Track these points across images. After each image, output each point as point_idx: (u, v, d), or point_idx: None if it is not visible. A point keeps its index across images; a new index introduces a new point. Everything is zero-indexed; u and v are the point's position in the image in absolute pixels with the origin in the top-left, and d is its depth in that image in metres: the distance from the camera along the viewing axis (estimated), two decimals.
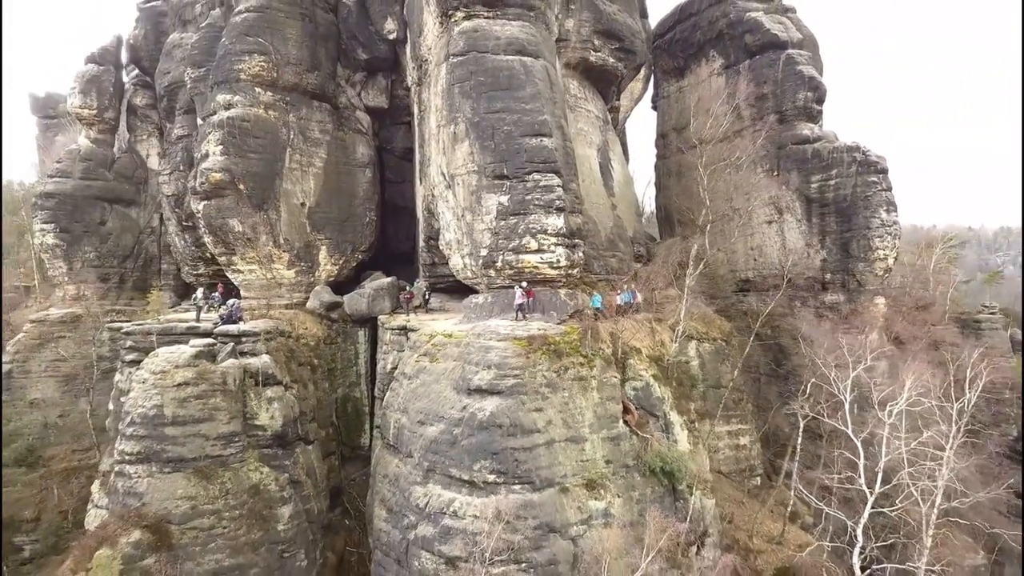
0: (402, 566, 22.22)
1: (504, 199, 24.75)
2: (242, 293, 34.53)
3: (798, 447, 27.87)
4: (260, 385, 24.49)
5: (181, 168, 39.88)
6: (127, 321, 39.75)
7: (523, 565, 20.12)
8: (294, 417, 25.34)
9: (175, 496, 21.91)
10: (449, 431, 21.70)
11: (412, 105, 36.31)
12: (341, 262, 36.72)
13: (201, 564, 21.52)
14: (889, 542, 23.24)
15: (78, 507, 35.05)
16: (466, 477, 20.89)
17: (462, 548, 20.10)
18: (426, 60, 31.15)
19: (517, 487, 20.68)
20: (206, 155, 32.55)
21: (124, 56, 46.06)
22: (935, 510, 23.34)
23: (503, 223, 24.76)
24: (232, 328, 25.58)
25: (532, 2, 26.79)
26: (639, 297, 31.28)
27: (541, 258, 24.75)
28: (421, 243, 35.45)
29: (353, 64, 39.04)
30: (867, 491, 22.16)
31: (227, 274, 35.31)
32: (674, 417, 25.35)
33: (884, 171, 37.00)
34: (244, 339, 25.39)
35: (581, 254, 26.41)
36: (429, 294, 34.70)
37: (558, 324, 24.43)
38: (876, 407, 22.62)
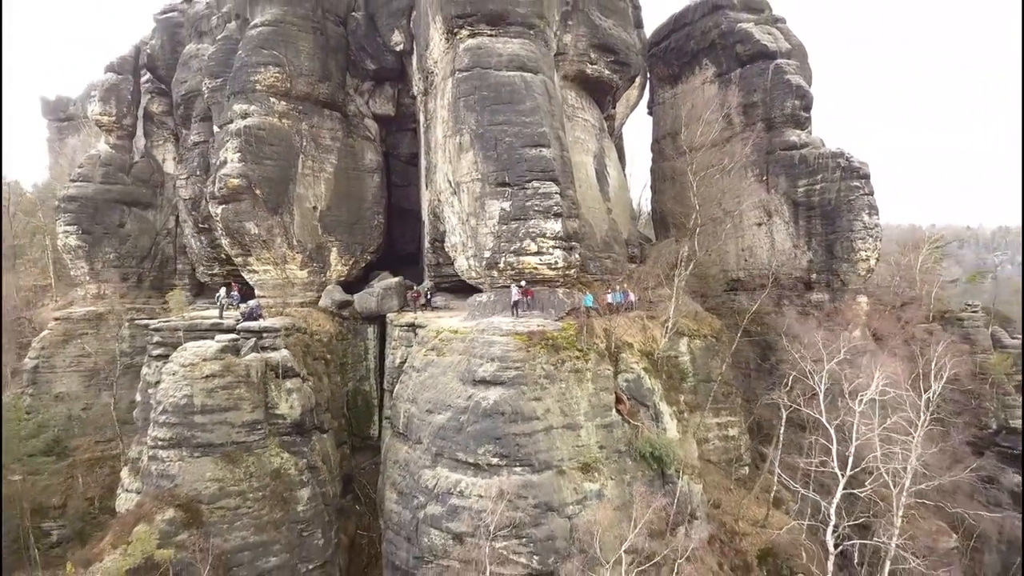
0: (412, 543, 24.20)
1: (506, 205, 26.72)
2: (256, 292, 36.47)
3: (780, 436, 29.80)
4: (280, 377, 26.46)
5: (198, 173, 41.84)
6: (146, 319, 41.84)
7: (524, 540, 22.11)
8: (311, 407, 27.31)
9: (204, 478, 23.88)
10: (456, 418, 23.68)
11: (418, 113, 38.25)
12: (351, 263, 38.68)
13: (229, 540, 23.49)
14: (860, 521, 25.18)
15: (103, 494, 37.15)
16: (471, 460, 22.87)
17: (468, 525, 22.10)
18: (432, 72, 33.09)
19: (518, 469, 22.64)
20: (224, 162, 34.47)
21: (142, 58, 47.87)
22: (904, 493, 25.33)
23: (505, 227, 26.73)
24: (253, 324, 27.54)
25: (532, 21, 28.73)
26: (633, 296, 33.23)
27: (540, 260, 26.72)
28: (427, 245, 37.40)
29: (361, 74, 40.95)
30: (839, 473, 24.14)
31: (243, 274, 37.28)
32: (663, 407, 27.32)
33: (866, 176, 38.95)
34: (265, 335, 27.32)
35: (577, 256, 28.37)
36: (431, 293, 36.58)
37: (556, 321, 26.39)
38: (848, 397, 24.61)
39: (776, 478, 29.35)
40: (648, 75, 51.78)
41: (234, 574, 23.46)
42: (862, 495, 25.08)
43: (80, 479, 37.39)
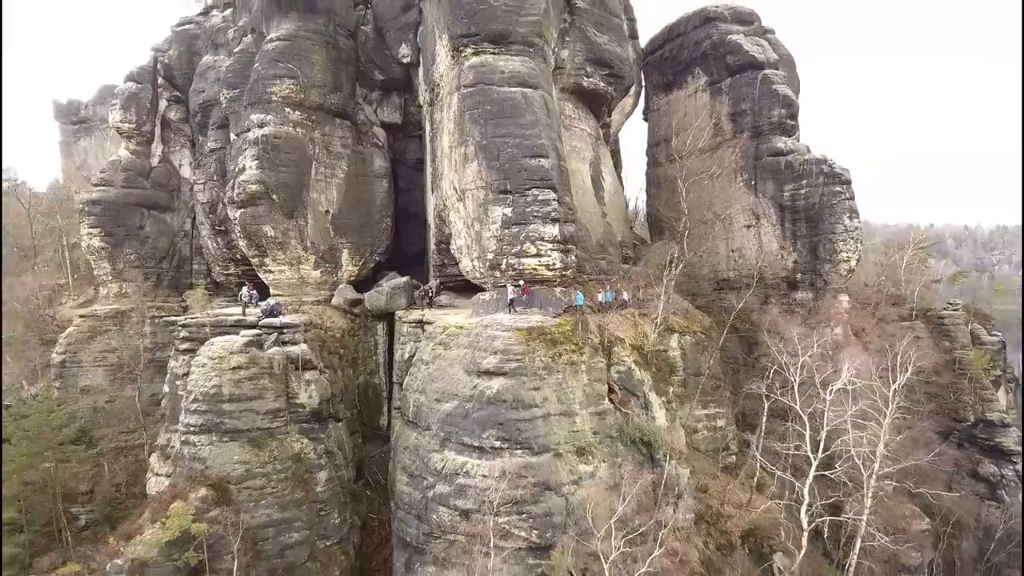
0: (422, 520, 26.49)
1: (508, 211, 29.02)
2: (271, 291, 38.73)
3: (763, 425, 32.10)
4: (299, 369, 28.77)
5: (215, 178, 44.13)
6: (166, 316, 44.28)
7: (524, 516, 24.42)
8: (327, 397, 29.63)
9: (233, 460, 26.22)
10: (462, 406, 25.97)
11: (424, 122, 40.50)
12: (361, 263, 40.96)
13: (255, 517, 25.82)
14: (832, 501, 27.48)
15: (128, 481, 39.46)
16: (476, 444, 25.17)
17: (474, 502, 24.42)
18: (438, 85, 35.33)
19: (519, 452, 24.94)
20: (243, 168, 36.73)
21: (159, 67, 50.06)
22: (874, 476, 27.65)
23: (507, 231, 29.03)
24: (275, 321, 29.81)
25: (532, 39, 31.00)
26: (626, 295, 35.49)
27: (539, 261, 29.02)
28: (432, 246, 39.67)
29: (370, 84, 43.19)
30: (811, 457, 26.44)
31: (259, 274, 39.52)
32: (653, 397, 29.60)
33: (848, 182, 41.19)
34: (285, 330, 29.59)
35: (574, 258, 30.66)
36: (434, 292, 38.82)
37: (554, 317, 28.67)
38: (819, 387, 26.90)
39: (758, 464, 31.60)
40: (643, 83, 54.11)
41: (260, 547, 25.77)
42: (834, 477, 27.35)
43: (106, 467, 39.63)
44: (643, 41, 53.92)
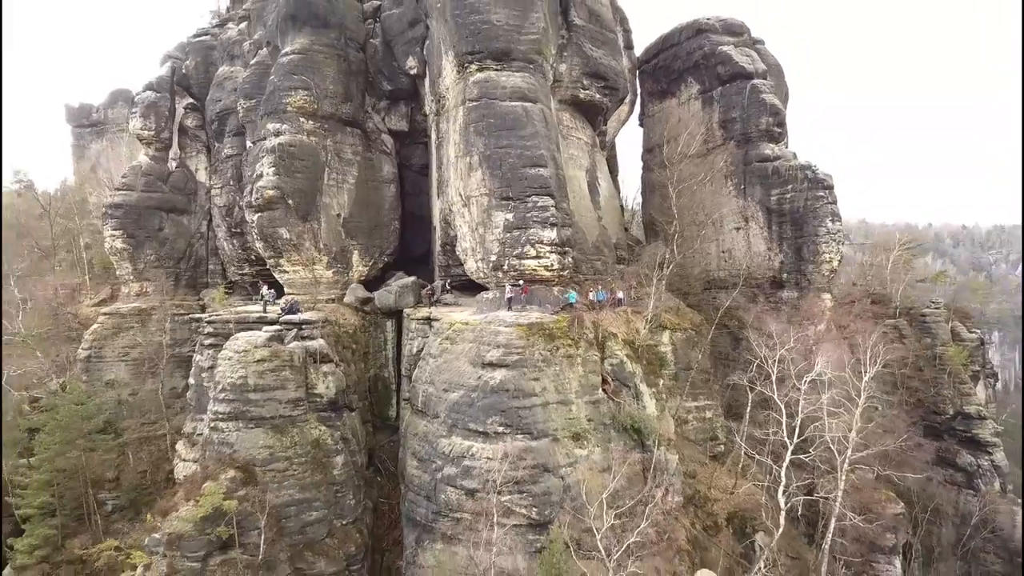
0: (431, 500, 28.91)
1: (509, 216, 31.42)
2: (286, 290, 41.11)
3: (747, 414, 34.52)
4: (317, 362, 31.18)
5: (231, 183, 46.51)
6: (184, 314, 46.75)
7: (524, 495, 26.82)
8: (343, 388, 32.04)
9: (258, 445, 28.64)
10: (468, 395, 28.38)
11: (430, 130, 42.84)
12: (370, 264, 43.35)
13: (279, 496, 28.22)
14: (807, 483, 29.90)
15: (151, 468, 41.89)
16: (481, 429, 27.58)
17: (479, 482, 26.84)
18: (444, 96, 37.70)
19: (520, 436, 27.34)
20: (260, 175, 39.08)
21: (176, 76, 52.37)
22: (847, 461, 30.09)
23: (509, 235, 31.44)
24: (295, 318, 32.23)
25: (532, 56, 33.37)
26: (620, 294, 37.86)
27: (538, 263, 31.43)
28: (438, 248, 42.06)
29: (378, 94, 45.55)
30: (787, 442, 28.86)
31: (274, 274, 41.86)
32: (643, 388, 32.01)
33: (830, 187, 43.56)
34: (304, 326, 32.00)
35: (571, 259, 33.06)
36: (440, 291, 41.14)
37: (552, 314, 31.03)
38: (794, 378, 29.33)
39: (743, 450, 34.01)
40: (639, 91, 56.41)
41: (284, 524, 28.20)
42: (809, 461, 29.77)
43: (130, 456, 41.99)
44: (639, 50, 56.22)
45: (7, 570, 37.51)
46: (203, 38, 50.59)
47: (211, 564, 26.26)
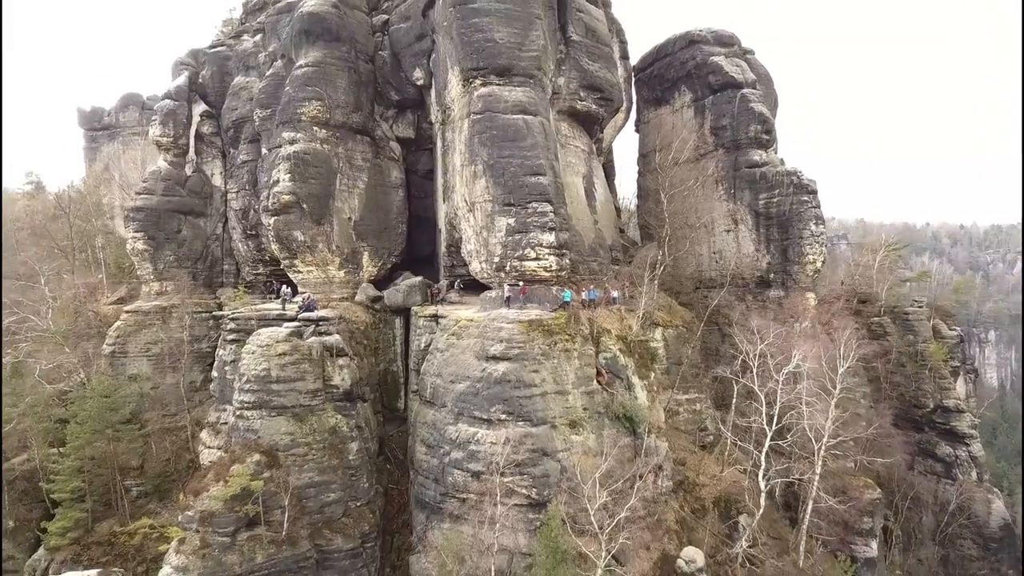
0: (439, 483, 31.44)
1: (511, 221, 33.93)
2: (299, 289, 43.59)
3: (734, 404, 37.05)
4: (333, 356, 33.69)
5: (246, 187, 49.02)
6: (202, 312, 49.31)
7: (525, 476, 29.34)
8: (357, 380, 34.56)
9: (280, 432, 31.13)
10: (473, 386, 30.90)
11: (435, 137, 45.32)
12: (380, 264, 45.87)
13: (300, 479, 30.71)
14: (785, 466, 32.44)
15: (174, 457, 44.45)
16: (485, 417, 30.10)
17: (483, 465, 29.34)
18: (450, 107, 40.16)
19: (521, 423, 29.85)
20: (276, 181, 41.56)
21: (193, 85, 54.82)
22: (823, 447, 32.63)
23: (510, 238, 33.95)
24: (312, 315, 34.73)
25: (532, 72, 35.85)
26: (615, 293, 40.37)
27: (538, 264, 33.94)
28: (443, 249, 44.54)
29: (386, 103, 48.02)
30: (767, 429, 31.37)
31: (288, 274, 44.36)
32: (635, 380, 34.52)
33: (814, 192, 46.01)
34: (321, 323, 34.50)
35: (568, 260, 35.56)
36: (444, 290, 43.61)
37: (550, 312, 33.52)
38: (772, 371, 31.85)
39: (729, 439, 36.54)
40: (635, 98, 58.85)
41: (304, 504, 30.71)
42: (787, 448, 32.31)
43: (153, 445, 44.54)
44: (635, 58, 58.73)
45: (40, 551, 40.09)
46: (219, 49, 53.06)
47: (239, 539, 28.78)
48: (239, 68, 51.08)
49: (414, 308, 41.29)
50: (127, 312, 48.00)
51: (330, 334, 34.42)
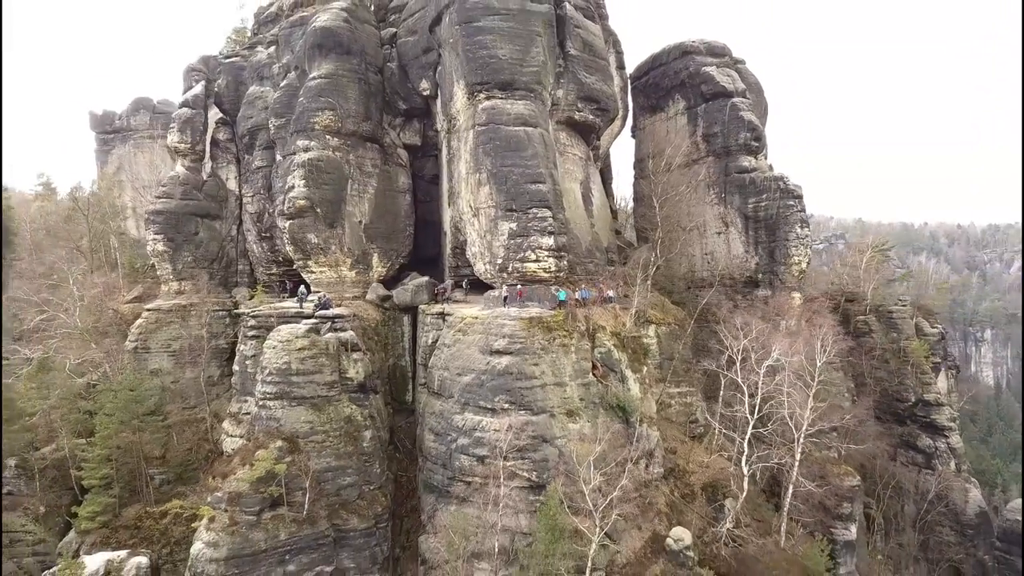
0: (447, 468, 34.04)
1: (513, 225, 36.52)
2: (312, 288, 46.14)
3: (721, 397, 39.65)
4: (348, 351, 36.31)
5: (261, 192, 51.58)
6: (219, 310, 51.91)
7: (526, 461, 31.94)
8: (369, 373, 37.21)
9: (300, 420, 33.77)
10: (478, 378, 33.49)
11: (441, 145, 47.88)
12: (388, 265, 48.46)
13: (318, 463, 33.34)
14: (766, 452, 35.06)
15: (194, 447, 47.03)
16: (489, 406, 32.70)
17: (487, 450, 31.95)
18: (455, 118, 42.72)
19: (522, 412, 32.44)
20: (292, 187, 44.11)
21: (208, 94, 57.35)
22: (803, 435, 35.26)
23: (512, 241, 36.55)
24: (328, 312, 37.34)
25: (532, 86, 38.44)
26: (611, 292, 42.91)
27: (538, 265, 36.55)
28: (448, 251, 47.13)
29: (394, 112, 50.58)
30: (748, 418, 33.98)
31: (302, 274, 46.92)
32: (628, 373, 37.11)
33: (799, 197, 48.61)
34: (336, 320, 37.10)
35: (566, 262, 38.16)
36: (449, 289, 46.12)
37: (549, 310, 36.10)
38: (754, 364, 34.45)
39: (717, 428, 39.16)
40: (631, 105, 61.35)
41: (322, 487, 33.35)
42: (767, 435, 34.95)
43: (174, 436, 47.12)
44: (632, 66, 61.17)
45: (71, 534, 42.68)
46: (234, 59, 55.57)
47: (264, 518, 31.42)
48: (253, 78, 53.59)
49: (421, 306, 43.87)
50: (148, 310, 50.54)
51: (345, 330, 37.02)
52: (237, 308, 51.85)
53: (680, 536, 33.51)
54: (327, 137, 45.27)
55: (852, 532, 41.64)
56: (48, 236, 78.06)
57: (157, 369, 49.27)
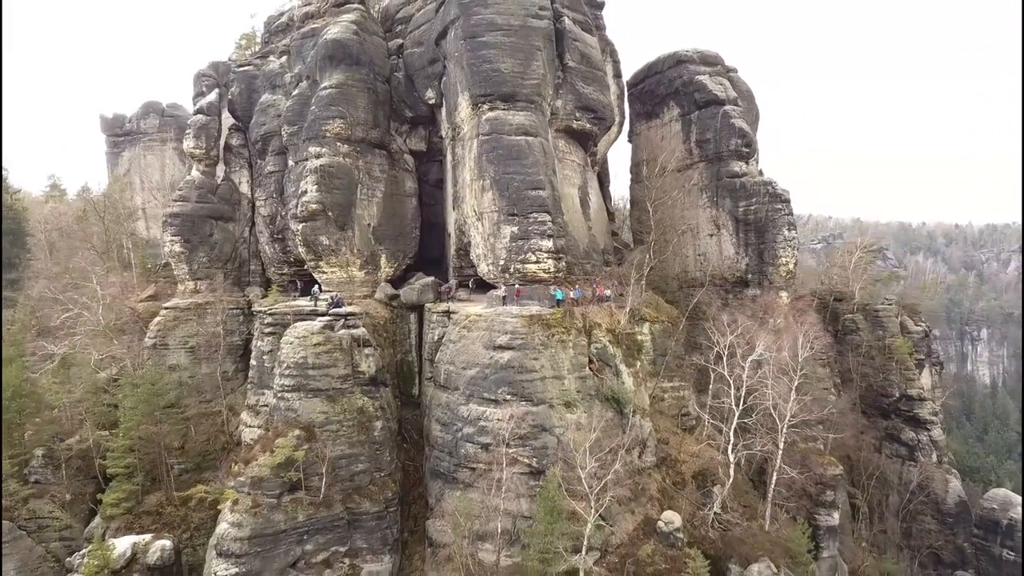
0: (453, 455, 36.48)
1: (515, 229, 38.97)
2: (323, 287, 48.54)
3: (710, 389, 42.12)
4: (360, 346, 38.76)
5: (274, 196, 54.00)
6: (233, 309, 54.36)
7: (526, 448, 34.38)
8: (380, 367, 39.66)
9: (316, 411, 36.21)
10: (482, 371, 35.93)
11: (445, 152, 50.31)
12: (395, 265, 50.92)
13: (333, 451, 35.75)
14: (750, 442, 37.55)
15: (211, 439, 49.50)
16: (492, 397, 35.13)
17: (491, 438, 34.38)
18: (459, 127, 45.13)
19: (523, 403, 34.87)
20: (304, 191, 46.51)
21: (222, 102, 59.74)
22: (786, 425, 37.72)
23: (514, 244, 39.01)
24: (341, 310, 39.80)
25: (533, 98, 40.90)
26: (608, 292, 45.31)
27: (538, 266, 39.00)
28: (452, 252, 49.55)
29: (400, 119, 53.02)
30: (734, 409, 36.46)
31: (313, 274, 49.34)
32: (622, 368, 39.57)
33: (787, 201, 51.03)
34: (349, 317, 39.54)
35: (564, 263, 40.60)
36: (454, 289, 48.56)
37: (549, 308, 38.54)
38: (739, 359, 36.93)
39: (707, 419, 41.62)
40: (627, 111, 63.71)
41: (337, 473, 35.79)
42: (751, 426, 37.43)
43: (192, 428, 49.62)
44: (629, 73, 63.50)
45: (96, 519, 45.15)
46: (247, 68, 57.96)
47: (284, 501, 33.90)
48: (266, 86, 55.96)
49: (427, 305, 46.29)
50: (166, 309, 53.00)
51: (357, 327, 39.48)
52: (251, 307, 54.34)
53: (670, 519, 35.94)
54: (338, 144, 47.65)
55: (835, 518, 44.07)
56: (62, 237, 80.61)
57: (175, 364, 51.69)
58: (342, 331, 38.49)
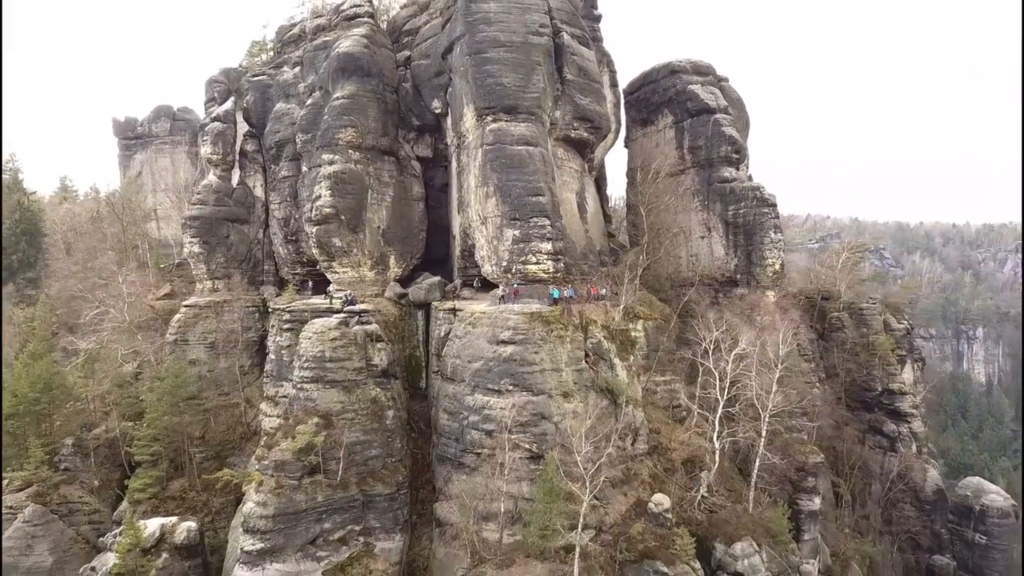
0: (459, 441, 39.47)
1: (516, 232, 41.95)
2: (335, 287, 51.46)
3: (699, 381, 45.11)
4: (373, 341, 41.73)
5: (288, 200, 56.97)
6: (249, 307, 57.36)
7: (527, 434, 37.35)
8: (392, 361, 42.63)
9: (333, 400, 39.15)
10: (486, 364, 38.90)
11: (450, 158, 53.24)
12: (403, 266, 53.90)
13: (349, 437, 38.62)
14: (734, 430, 40.56)
15: (229, 429, 52.52)
16: (496, 388, 38.11)
17: (494, 425, 37.34)
18: (464, 135, 48.05)
19: (524, 393, 37.83)
20: (318, 196, 49.44)
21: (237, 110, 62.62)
22: (768, 415, 40.72)
23: (516, 247, 41.99)
24: (355, 308, 42.78)
25: (533, 110, 43.85)
26: (604, 291, 48.26)
27: (538, 267, 41.97)
28: (457, 253, 52.49)
29: (408, 127, 55.96)
30: (720, 399, 39.46)
31: (326, 275, 52.26)
32: (616, 361, 42.55)
33: (773, 205, 53.92)
34: (362, 314, 42.51)
35: (563, 264, 43.56)
36: (459, 288, 51.52)
37: (548, 306, 41.49)
38: (724, 352, 39.94)
39: (695, 410, 44.60)
40: (624, 118, 66.54)
41: (352, 458, 38.67)
42: (735, 415, 40.47)
43: (212, 419, 52.62)
44: (626, 81, 66.36)
45: (123, 504, 48.18)
46: (261, 77, 60.87)
47: (304, 483, 36.84)
48: (280, 95, 58.88)
49: (434, 303, 49.27)
50: (186, 306, 56.00)
51: (370, 323, 42.45)
52: (265, 305, 57.30)
53: (660, 501, 38.88)
54: (349, 151, 50.58)
55: (816, 504, 46.99)
56: (77, 237, 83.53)
57: (195, 359, 54.67)
58: (356, 327, 41.44)
